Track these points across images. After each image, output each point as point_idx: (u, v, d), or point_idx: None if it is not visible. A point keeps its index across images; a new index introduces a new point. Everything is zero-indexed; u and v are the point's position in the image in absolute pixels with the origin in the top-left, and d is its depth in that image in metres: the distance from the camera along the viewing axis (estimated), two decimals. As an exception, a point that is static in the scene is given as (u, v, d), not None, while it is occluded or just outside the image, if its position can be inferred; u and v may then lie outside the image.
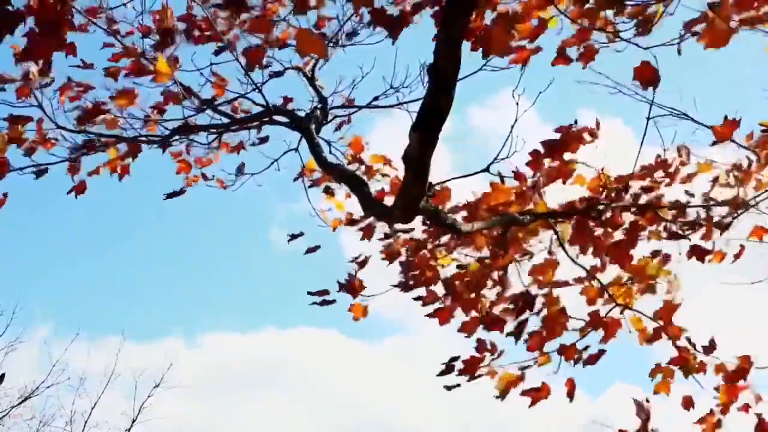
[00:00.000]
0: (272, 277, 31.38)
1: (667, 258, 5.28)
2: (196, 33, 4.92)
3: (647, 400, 4.76)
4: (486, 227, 4.51)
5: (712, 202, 5.37)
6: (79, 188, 5.39)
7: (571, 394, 4.98)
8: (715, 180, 5.31)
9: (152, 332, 25.31)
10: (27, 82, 4.75)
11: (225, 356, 26.40)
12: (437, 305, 5.32)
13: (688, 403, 5.09)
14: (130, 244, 28.12)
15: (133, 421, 17.05)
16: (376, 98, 5.65)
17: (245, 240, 30.56)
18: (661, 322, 5.05)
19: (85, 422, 16.96)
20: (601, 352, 5.10)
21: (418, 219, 4.87)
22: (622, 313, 5.17)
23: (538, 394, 5.03)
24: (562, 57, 4.52)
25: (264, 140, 5.69)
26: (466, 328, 5.22)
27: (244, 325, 31.13)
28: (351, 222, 5.55)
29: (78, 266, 27.64)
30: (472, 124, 23.64)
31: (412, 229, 5.24)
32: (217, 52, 4.93)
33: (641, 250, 5.29)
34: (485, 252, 5.41)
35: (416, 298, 5.33)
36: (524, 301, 5.02)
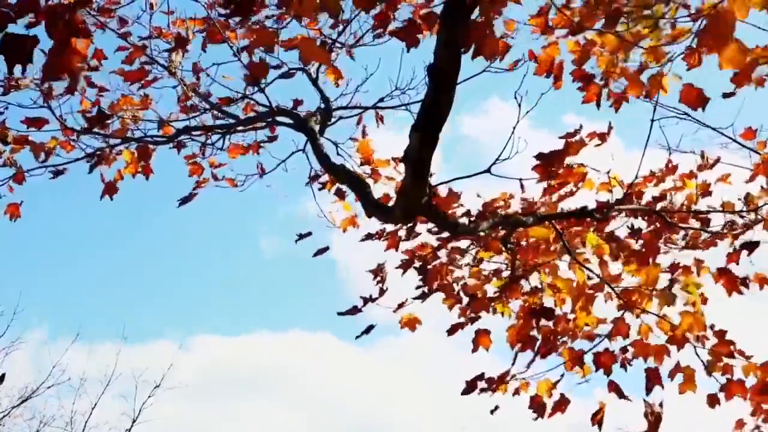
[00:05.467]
0: (263, 282, 31.53)
1: (687, 271, 5.25)
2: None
3: (660, 405, 4.68)
4: (489, 228, 4.50)
5: (734, 212, 5.33)
6: (110, 191, 5.46)
7: (621, 395, 4.94)
8: (748, 196, 5.27)
9: (144, 335, 25.50)
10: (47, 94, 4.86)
11: (218, 359, 26.51)
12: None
13: (713, 401, 4.98)
14: (120, 249, 28.26)
15: (134, 421, 17.22)
16: (381, 99, 5.68)
17: (235, 244, 30.74)
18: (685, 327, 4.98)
19: (86, 422, 17.15)
20: (653, 370, 5.03)
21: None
22: (638, 317, 5.13)
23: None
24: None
25: (273, 138, 5.74)
26: (484, 343, 5.23)
27: (236, 329, 31.29)
28: (368, 235, 5.57)
29: (70, 270, 27.87)
30: (461, 130, 23.76)
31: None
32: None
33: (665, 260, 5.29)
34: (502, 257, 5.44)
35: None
36: (545, 315, 5.01)
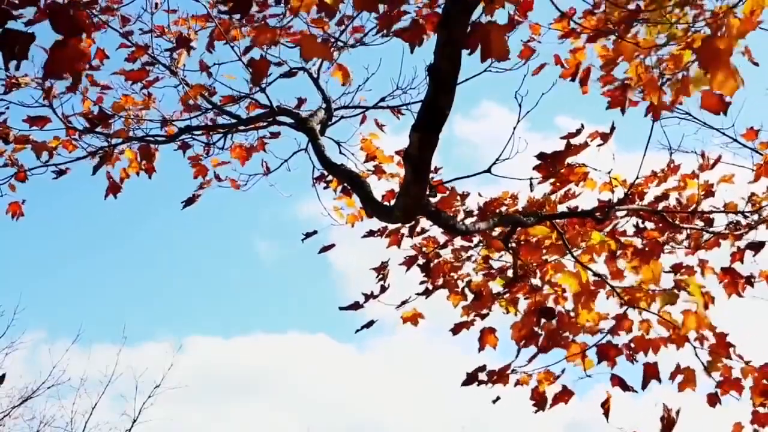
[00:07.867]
0: (259, 283, 31.35)
1: (690, 271, 5.23)
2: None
3: (677, 413, 4.62)
4: (489, 228, 4.49)
5: (737, 213, 5.32)
6: (114, 190, 5.46)
7: (625, 387, 4.90)
8: (752, 196, 5.26)
9: (141, 336, 25.39)
10: (48, 93, 4.86)
11: (212, 361, 26.28)
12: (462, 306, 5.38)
13: (713, 400, 4.94)
14: (117, 249, 28.13)
15: (134, 421, 17.27)
16: (382, 99, 5.68)
17: (232, 245, 30.56)
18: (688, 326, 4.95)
19: (86, 423, 17.20)
20: (652, 365, 5.00)
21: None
22: (641, 314, 5.11)
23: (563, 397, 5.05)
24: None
25: (275, 135, 5.74)
26: (490, 341, 5.22)
27: (232, 330, 31.07)
28: (370, 232, 5.57)
29: (70, 270, 27.79)
30: (455, 133, 23.72)
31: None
32: None
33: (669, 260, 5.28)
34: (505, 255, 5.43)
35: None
36: (545, 315, 5.00)
